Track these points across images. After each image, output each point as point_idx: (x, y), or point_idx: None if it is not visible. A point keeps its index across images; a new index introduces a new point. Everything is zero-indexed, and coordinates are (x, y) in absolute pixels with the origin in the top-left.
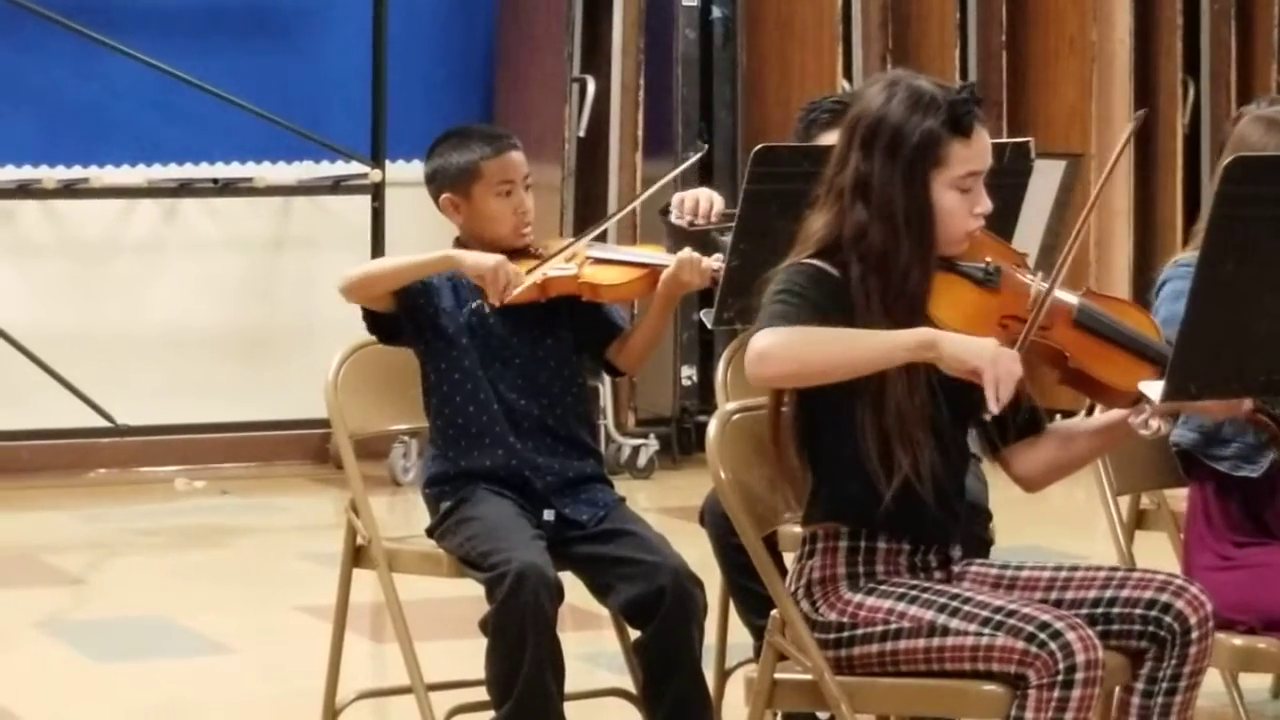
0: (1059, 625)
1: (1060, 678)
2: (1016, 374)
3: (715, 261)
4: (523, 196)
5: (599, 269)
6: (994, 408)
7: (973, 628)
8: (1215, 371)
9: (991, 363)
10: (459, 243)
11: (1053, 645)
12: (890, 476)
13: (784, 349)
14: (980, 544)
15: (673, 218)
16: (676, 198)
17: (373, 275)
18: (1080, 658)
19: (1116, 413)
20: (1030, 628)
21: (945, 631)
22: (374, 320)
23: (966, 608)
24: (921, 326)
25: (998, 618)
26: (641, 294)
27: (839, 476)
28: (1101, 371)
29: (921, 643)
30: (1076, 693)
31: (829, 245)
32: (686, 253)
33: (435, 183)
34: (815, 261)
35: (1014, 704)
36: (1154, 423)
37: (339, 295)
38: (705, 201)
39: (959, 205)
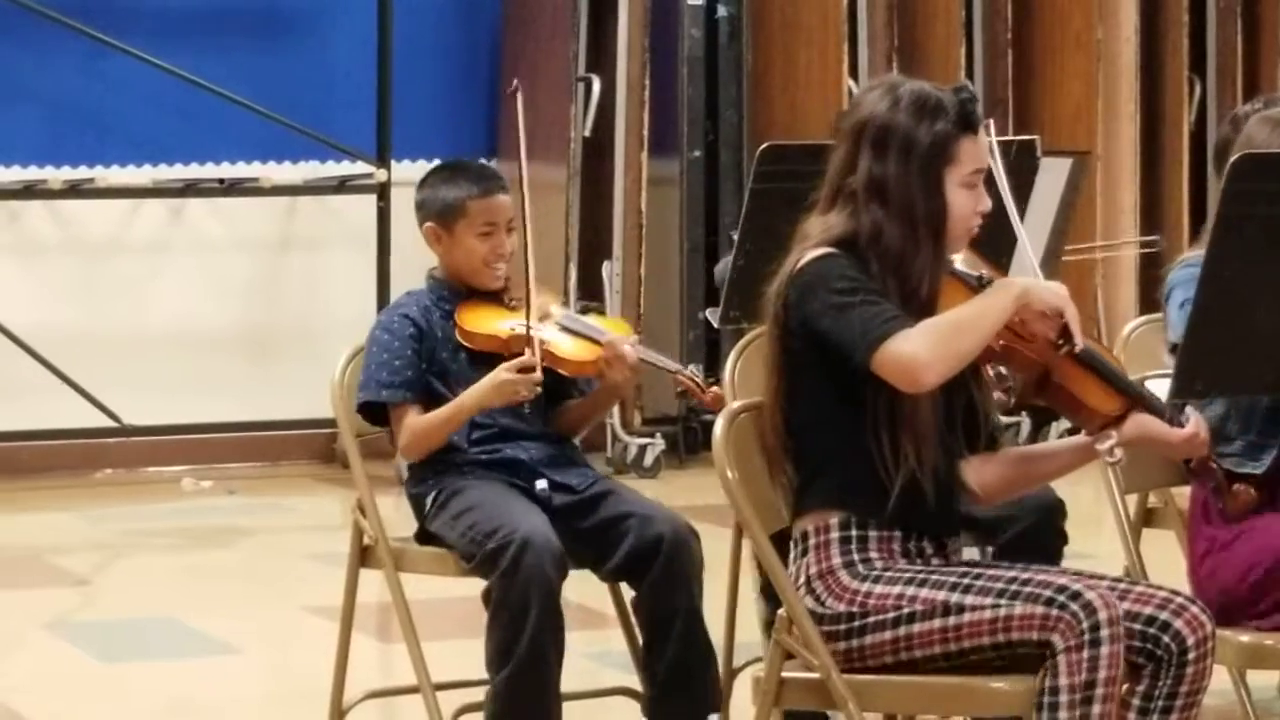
0: (1077, 586)
1: (1086, 636)
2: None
3: (640, 351)
4: (502, 239)
5: (562, 338)
6: (1080, 342)
7: (989, 600)
8: (1222, 369)
9: (1069, 301)
10: (434, 272)
11: (1074, 606)
12: (897, 471)
13: (932, 354)
14: (1061, 537)
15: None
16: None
17: (432, 435)
18: (1103, 614)
19: (1081, 438)
20: (1048, 592)
21: (961, 609)
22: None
23: (979, 583)
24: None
25: (1013, 587)
26: (595, 375)
27: (829, 469)
28: (1079, 390)
29: (937, 623)
30: (1105, 649)
31: (839, 242)
32: (612, 350)
33: (422, 211)
34: (834, 250)
35: (1044, 675)
36: (1119, 451)
37: (401, 453)
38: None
39: (967, 203)
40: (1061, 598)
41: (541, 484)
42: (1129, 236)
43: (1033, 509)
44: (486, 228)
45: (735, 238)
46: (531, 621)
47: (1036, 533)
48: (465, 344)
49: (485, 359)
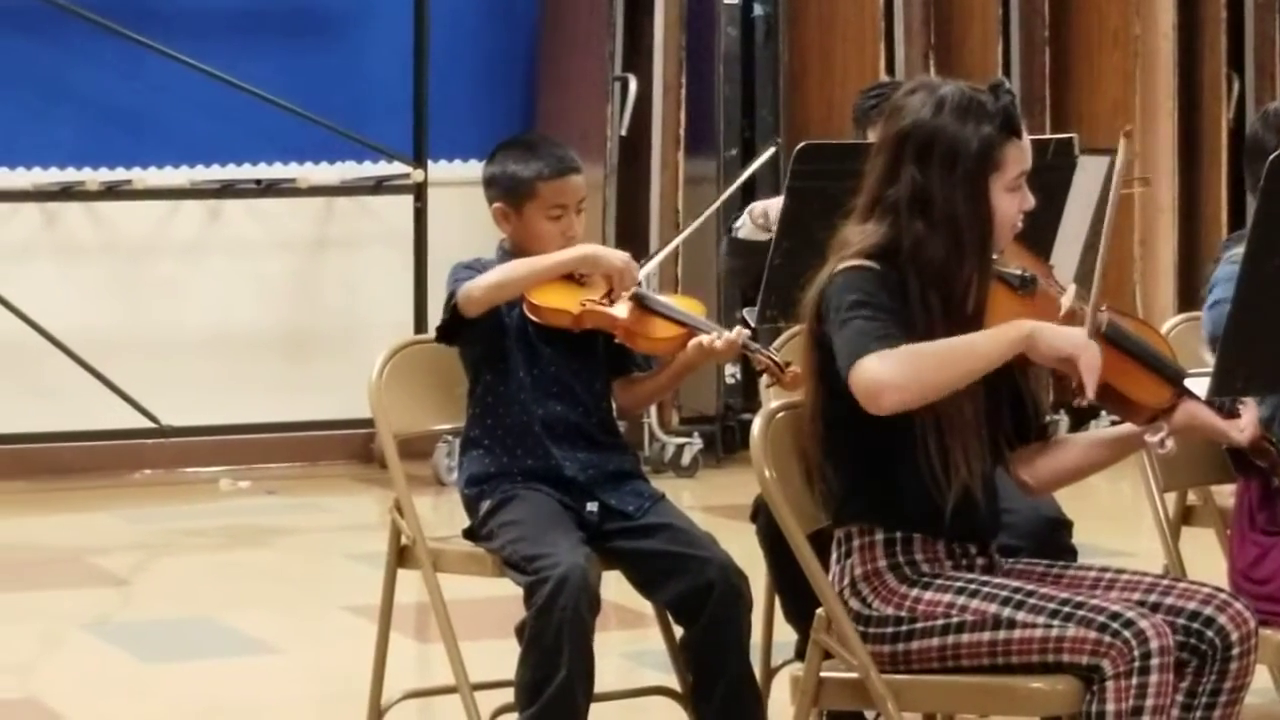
0: (1131, 614)
1: (1137, 664)
2: (1100, 364)
3: (747, 336)
4: (572, 220)
5: (642, 317)
6: (1091, 394)
7: (1041, 620)
8: (1263, 366)
9: (1085, 348)
10: (504, 244)
11: (1126, 633)
12: (949, 484)
13: (900, 378)
14: (1068, 554)
15: (741, 233)
16: (754, 207)
17: (509, 281)
18: (1154, 643)
19: (1130, 427)
20: (1102, 618)
21: (1011, 624)
22: (451, 323)
23: (1032, 600)
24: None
25: (1066, 609)
26: (673, 354)
27: (869, 481)
28: (1125, 386)
29: (986, 636)
30: (1154, 678)
31: (878, 252)
32: (730, 334)
33: (491, 189)
34: (868, 262)
35: (1091, 699)
36: (1169, 442)
37: (465, 306)
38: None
39: (1012, 207)
40: (1115, 624)
41: (592, 506)
42: (1168, 235)
43: (1030, 530)
44: (556, 210)
45: (773, 236)
46: (564, 665)
47: (1040, 554)
48: (532, 318)
49: (558, 332)
